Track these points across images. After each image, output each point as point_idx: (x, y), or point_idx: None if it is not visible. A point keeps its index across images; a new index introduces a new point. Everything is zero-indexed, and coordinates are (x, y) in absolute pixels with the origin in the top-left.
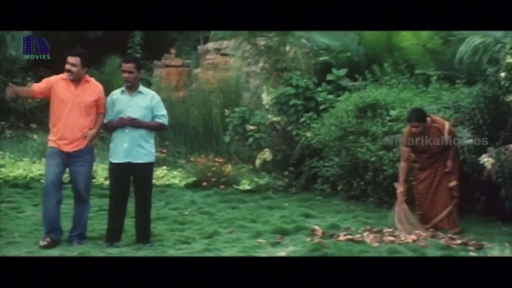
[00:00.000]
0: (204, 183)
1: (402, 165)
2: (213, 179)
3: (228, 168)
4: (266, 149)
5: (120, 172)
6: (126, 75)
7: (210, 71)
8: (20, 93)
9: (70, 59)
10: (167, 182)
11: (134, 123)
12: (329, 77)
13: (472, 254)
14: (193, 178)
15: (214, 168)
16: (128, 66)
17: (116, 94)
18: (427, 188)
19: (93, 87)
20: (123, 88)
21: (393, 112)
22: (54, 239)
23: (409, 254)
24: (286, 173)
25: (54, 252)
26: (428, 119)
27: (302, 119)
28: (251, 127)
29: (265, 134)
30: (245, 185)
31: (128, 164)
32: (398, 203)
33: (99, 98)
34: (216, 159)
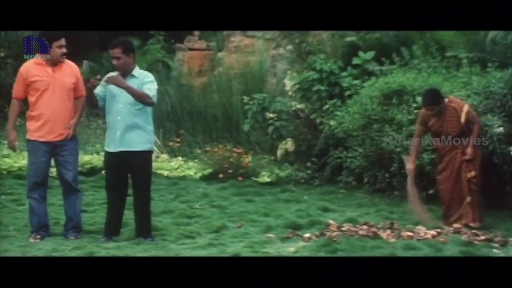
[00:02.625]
0: (221, 175)
1: (413, 141)
2: (230, 171)
3: (247, 159)
4: (289, 139)
5: (114, 161)
6: (114, 61)
7: (234, 54)
8: (12, 125)
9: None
10: (182, 174)
11: (115, 80)
12: (355, 60)
13: (495, 251)
14: (209, 170)
15: (231, 159)
16: (115, 51)
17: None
18: (447, 179)
19: (70, 68)
20: (118, 72)
21: (419, 99)
22: (43, 236)
23: (426, 250)
24: (308, 164)
25: (47, 246)
26: (446, 100)
27: (326, 106)
28: (271, 115)
29: (287, 122)
30: (265, 177)
31: (123, 153)
32: (409, 182)
33: (77, 80)
34: (235, 149)
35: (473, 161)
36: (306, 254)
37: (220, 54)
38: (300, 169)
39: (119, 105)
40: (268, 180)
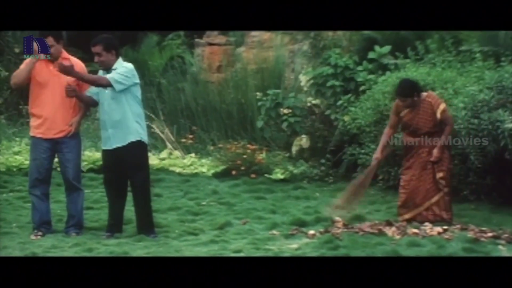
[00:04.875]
0: (234, 172)
1: (385, 130)
2: (243, 168)
3: (261, 155)
4: (304, 135)
5: (110, 158)
6: (95, 58)
7: (254, 49)
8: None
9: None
10: (194, 171)
11: (63, 68)
12: (371, 55)
13: (501, 247)
14: (222, 167)
15: (245, 156)
16: (96, 48)
17: (100, 73)
18: (410, 176)
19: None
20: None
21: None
22: (45, 233)
23: (429, 247)
24: (323, 161)
25: (47, 243)
26: (424, 93)
27: (340, 102)
28: (285, 111)
29: (301, 118)
30: (278, 174)
31: (117, 150)
32: (369, 168)
33: None
34: (248, 146)
35: (441, 162)
36: (308, 251)
37: (239, 49)
38: (314, 166)
39: (105, 103)
40: (282, 177)
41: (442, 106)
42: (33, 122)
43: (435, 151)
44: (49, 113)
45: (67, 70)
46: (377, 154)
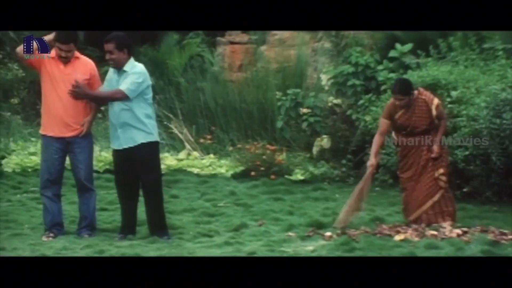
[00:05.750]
0: (253, 173)
1: (376, 137)
2: (262, 169)
3: (281, 156)
4: (324, 136)
5: (120, 159)
6: (106, 56)
7: (276, 48)
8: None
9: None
10: (213, 172)
11: (75, 93)
12: (392, 53)
13: None
14: (241, 168)
15: (264, 157)
16: (108, 46)
17: (111, 72)
18: (411, 177)
19: (84, 64)
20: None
21: (454, 93)
22: (57, 235)
23: (448, 249)
24: (344, 161)
25: (58, 245)
26: (415, 92)
27: (361, 102)
28: (304, 111)
29: (322, 118)
30: (298, 175)
31: (127, 150)
32: (365, 177)
33: (91, 76)
34: (268, 146)
35: (440, 158)
36: (323, 253)
37: (261, 48)
38: (335, 167)
39: (113, 104)
40: (302, 178)
41: (436, 101)
42: (43, 120)
43: (435, 147)
44: (60, 112)
45: (80, 94)
46: (371, 161)
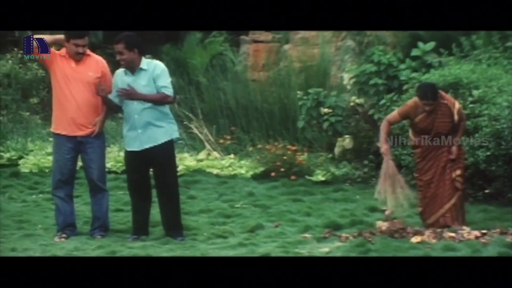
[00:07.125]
0: (273, 174)
1: (385, 125)
2: (283, 169)
3: (302, 157)
4: (347, 136)
5: (137, 160)
6: (117, 56)
7: (300, 46)
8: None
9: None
10: (233, 173)
11: (128, 95)
12: (414, 52)
13: None
14: (261, 168)
15: (285, 157)
16: (117, 46)
17: (120, 74)
18: (431, 179)
19: (95, 62)
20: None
21: (475, 92)
22: (69, 235)
23: (465, 251)
24: (366, 162)
25: (70, 246)
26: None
27: (383, 101)
28: (325, 110)
29: (343, 118)
30: (319, 176)
31: (147, 151)
32: (385, 161)
33: (103, 75)
34: (289, 146)
35: (458, 159)
36: (338, 254)
37: (285, 47)
38: (357, 168)
39: (134, 103)
40: (323, 179)
41: (457, 105)
42: (54, 118)
43: (454, 149)
44: (72, 110)
45: (131, 96)
46: (384, 147)
